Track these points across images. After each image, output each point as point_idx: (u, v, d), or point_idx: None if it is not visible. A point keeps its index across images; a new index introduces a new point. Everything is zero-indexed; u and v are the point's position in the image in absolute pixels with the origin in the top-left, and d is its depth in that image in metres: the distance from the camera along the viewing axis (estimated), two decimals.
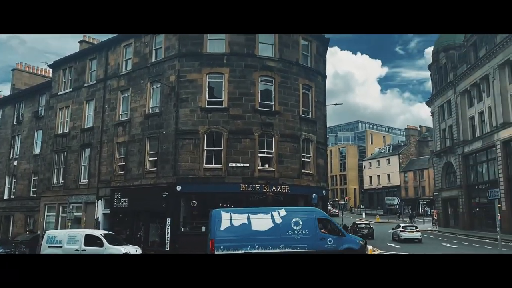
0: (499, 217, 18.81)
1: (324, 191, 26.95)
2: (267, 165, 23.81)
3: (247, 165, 23.12)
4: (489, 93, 37.45)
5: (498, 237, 18.19)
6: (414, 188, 75.21)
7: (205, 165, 23.06)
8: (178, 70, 24.11)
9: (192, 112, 23.58)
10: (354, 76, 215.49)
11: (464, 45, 43.23)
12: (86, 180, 28.26)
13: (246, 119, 23.52)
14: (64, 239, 19.72)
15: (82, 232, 20.35)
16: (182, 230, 22.86)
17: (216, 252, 16.65)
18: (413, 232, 29.89)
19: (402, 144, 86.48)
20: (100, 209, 26.87)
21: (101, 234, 19.67)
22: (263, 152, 23.82)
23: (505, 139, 34.63)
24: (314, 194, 24.28)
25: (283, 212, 17.98)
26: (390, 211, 62.33)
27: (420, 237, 29.63)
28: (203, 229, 22.48)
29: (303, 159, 25.05)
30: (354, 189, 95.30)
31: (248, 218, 17.48)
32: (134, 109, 26.16)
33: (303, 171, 24.88)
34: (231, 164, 23.01)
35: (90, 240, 19.20)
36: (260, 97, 24.05)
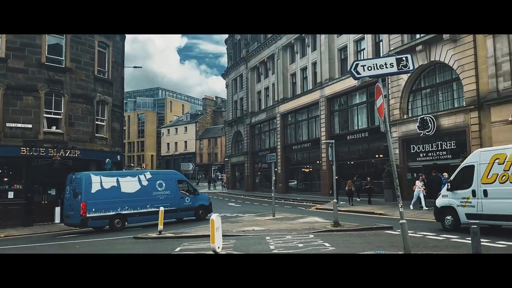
0: (274, 178, 21.82)
1: (119, 156, 26.24)
2: (54, 127, 21.71)
3: (30, 126, 20.63)
4: (274, 71, 42.38)
5: (273, 194, 21.17)
6: (208, 155, 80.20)
7: None
8: None
9: None
10: (153, 42, 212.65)
11: None
12: None
13: (29, 74, 20.75)
14: None
15: None
16: None
17: (88, 215, 16.99)
18: None
19: (199, 113, 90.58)
20: None
21: None
22: (50, 113, 21.59)
23: (283, 112, 40.02)
24: (108, 159, 23.40)
25: (148, 175, 19.50)
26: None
27: None
28: None
29: (96, 122, 23.75)
30: (152, 155, 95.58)
31: (118, 181, 18.20)
32: None
33: (96, 135, 23.62)
34: (9, 125, 20.13)
35: None
36: (47, 51, 21.50)
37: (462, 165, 13.47)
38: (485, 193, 11.94)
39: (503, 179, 11.47)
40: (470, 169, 12.56)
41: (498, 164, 11.66)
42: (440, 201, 13.70)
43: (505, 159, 11.52)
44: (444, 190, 13.84)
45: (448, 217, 13.21)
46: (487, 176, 11.96)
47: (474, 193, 12.29)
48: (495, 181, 11.68)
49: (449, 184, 13.50)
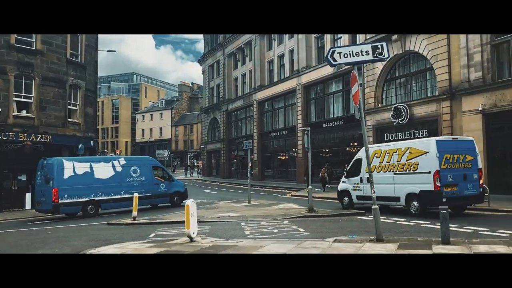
0: (250, 165, 21.83)
1: (92, 142, 25.75)
2: (24, 111, 21.14)
3: None
4: (251, 58, 42.17)
5: (248, 181, 21.19)
6: (184, 142, 79.60)
7: None
8: None
9: None
10: None
11: None
12: None
13: None
14: None
15: None
16: None
17: (60, 201, 16.72)
18: None
19: (175, 99, 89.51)
20: None
21: None
22: (20, 96, 21.00)
23: (260, 99, 39.98)
24: (81, 145, 22.97)
25: (122, 160, 19.31)
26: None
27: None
28: None
29: (69, 107, 23.21)
30: (126, 142, 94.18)
31: (91, 167, 17.94)
32: None
33: (69, 119, 23.11)
34: None
35: None
36: None
37: (354, 158, 16.69)
38: (368, 180, 14.21)
39: (378, 169, 14.55)
40: (359, 161, 15.69)
41: (376, 157, 14.73)
42: (340, 186, 17.08)
43: (380, 154, 14.67)
44: (343, 178, 16.97)
45: (345, 198, 16.46)
46: None
47: (361, 180, 15.45)
48: (374, 170, 14.23)
49: (345, 172, 16.91)
